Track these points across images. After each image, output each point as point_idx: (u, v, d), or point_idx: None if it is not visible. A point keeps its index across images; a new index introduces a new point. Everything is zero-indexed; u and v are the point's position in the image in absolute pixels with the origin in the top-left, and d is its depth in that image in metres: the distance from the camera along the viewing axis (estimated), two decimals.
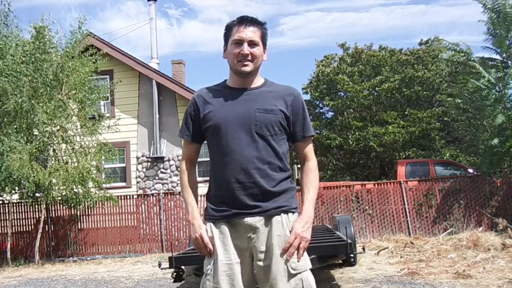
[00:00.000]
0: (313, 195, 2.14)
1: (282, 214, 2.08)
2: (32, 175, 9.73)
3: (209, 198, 2.18)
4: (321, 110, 22.74)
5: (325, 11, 56.26)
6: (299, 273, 2.04)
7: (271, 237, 2.05)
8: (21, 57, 10.24)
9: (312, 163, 2.22)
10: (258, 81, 2.21)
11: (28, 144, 10.16)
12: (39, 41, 10.39)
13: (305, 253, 2.08)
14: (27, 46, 10.45)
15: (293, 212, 2.12)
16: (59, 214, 11.89)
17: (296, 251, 2.01)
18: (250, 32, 2.12)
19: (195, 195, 2.25)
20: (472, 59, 11.06)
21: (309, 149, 2.23)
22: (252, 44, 2.13)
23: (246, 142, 2.09)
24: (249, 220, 2.06)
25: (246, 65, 2.12)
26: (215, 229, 2.11)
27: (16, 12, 10.85)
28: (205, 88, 2.26)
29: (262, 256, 2.06)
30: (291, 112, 2.15)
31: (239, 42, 2.12)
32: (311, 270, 2.14)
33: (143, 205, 11.90)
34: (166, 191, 13.13)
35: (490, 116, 10.70)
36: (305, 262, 2.08)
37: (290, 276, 2.03)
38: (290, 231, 2.05)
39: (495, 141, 10.37)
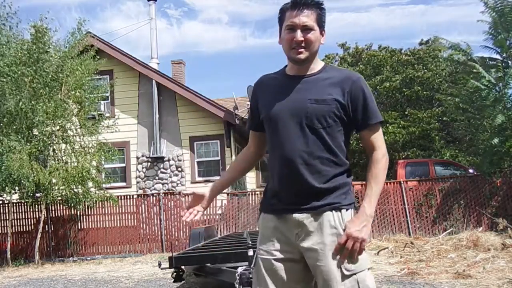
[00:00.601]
0: (374, 191, 1.97)
1: (333, 211, 1.96)
2: (32, 175, 9.73)
3: (265, 190, 2.15)
4: None
5: None
6: (355, 273, 1.92)
7: (322, 236, 1.95)
8: (21, 57, 10.23)
9: (378, 153, 2.02)
10: (316, 67, 2.08)
11: (28, 144, 10.16)
12: (38, 40, 10.37)
13: (365, 252, 1.96)
14: (26, 45, 10.42)
15: (347, 209, 1.99)
16: (59, 214, 11.89)
17: (350, 253, 1.89)
18: (303, 17, 1.98)
19: (230, 176, 2.31)
20: (472, 57, 11.05)
21: (375, 138, 2.03)
22: (306, 29, 1.99)
23: (296, 136, 1.99)
24: (297, 216, 1.98)
25: (300, 52, 2.00)
26: (263, 222, 2.09)
27: (16, 13, 10.72)
28: (265, 76, 2.21)
29: (310, 254, 1.97)
30: (348, 100, 2.00)
31: (292, 28, 1.99)
32: None
33: (143, 205, 11.90)
34: (166, 191, 13.13)
35: (490, 116, 10.70)
36: (362, 261, 1.94)
37: (344, 277, 1.91)
38: (344, 230, 1.93)
39: (495, 141, 10.37)
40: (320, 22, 2.03)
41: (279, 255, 2.01)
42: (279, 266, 2.01)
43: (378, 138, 2.04)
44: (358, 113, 2.01)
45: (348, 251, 1.88)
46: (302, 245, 1.98)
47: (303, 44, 1.99)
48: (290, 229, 2.00)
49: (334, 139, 1.99)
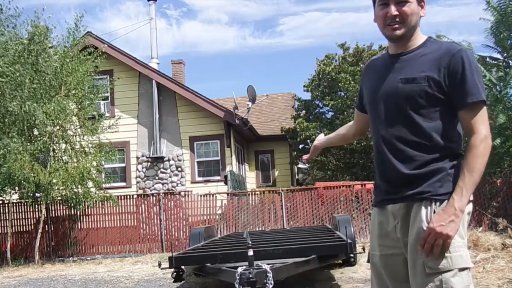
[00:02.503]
0: (467, 181, 1.76)
1: (423, 201, 1.78)
2: (33, 175, 9.71)
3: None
4: (321, 110, 22.83)
5: (324, 11, 56.40)
6: (439, 273, 1.72)
7: (410, 229, 1.80)
8: (19, 56, 10.20)
9: (476, 137, 1.75)
10: (416, 42, 1.89)
11: (29, 144, 10.15)
12: (36, 40, 10.33)
13: (458, 249, 1.75)
14: (24, 45, 10.38)
15: (442, 200, 1.78)
16: (59, 214, 11.87)
17: (433, 250, 1.72)
18: None
19: (338, 133, 2.44)
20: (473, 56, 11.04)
21: (475, 120, 1.77)
22: (400, 1, 1.82)
23: (387, 120, 1.87)
24: (391, 207, 1.86)
25: (395, 28, 1.84)
26: (372, 216, 2.02)
27: (20, 14, 10.69)
28: (374, 57, 2.12)
29: (406, 248, 1.84)
30: (445, 76, 1.77)
31: (386, 2, 1.84)
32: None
33: (143, 205, 11.89)
34: (166, 191, 13.13)
35: (490, 116, 10.68)
36: (451, 260, 1.73)
37: (426, 276, 1.73)
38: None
39: (497, 141, 10.34)
40: None
41: (381, 251, 1.94)
42: (382, 263, 1.94)
43: (478, 120, 1.77)
44: (455, 91, 1.77)
45: (430, 246, 1.72)
46: (399, 238, 1.87)
47: (397, 19, 1.83)
48: (389, 221, 1.89)
49: (429, 121, 1.80)
